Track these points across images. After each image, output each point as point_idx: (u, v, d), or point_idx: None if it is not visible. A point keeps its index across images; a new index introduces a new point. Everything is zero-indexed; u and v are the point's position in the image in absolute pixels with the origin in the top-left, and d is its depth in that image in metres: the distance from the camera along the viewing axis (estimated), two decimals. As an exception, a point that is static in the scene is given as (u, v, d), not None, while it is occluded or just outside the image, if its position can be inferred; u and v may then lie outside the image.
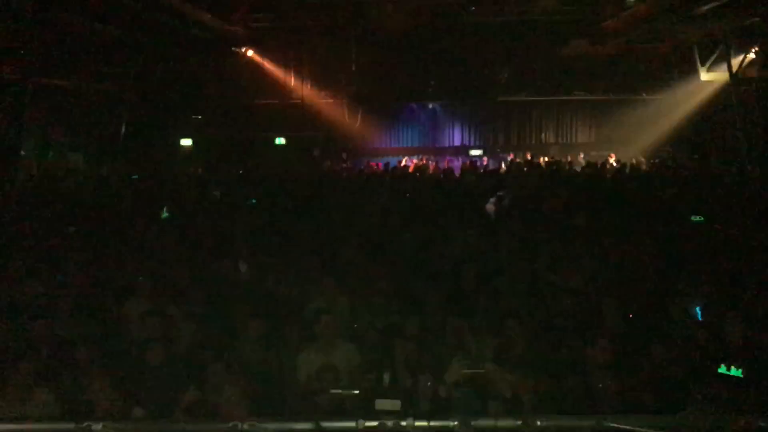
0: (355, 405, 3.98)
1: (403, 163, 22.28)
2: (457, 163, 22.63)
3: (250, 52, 22.29)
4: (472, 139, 24.86)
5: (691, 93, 21.07)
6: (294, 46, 21.86)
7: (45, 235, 10.78)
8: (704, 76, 20.32)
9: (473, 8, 18.09)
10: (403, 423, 2.86)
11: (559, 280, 7.99)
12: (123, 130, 20.57)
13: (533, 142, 24.31)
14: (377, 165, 22.77)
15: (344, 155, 24.44)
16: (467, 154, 23.68)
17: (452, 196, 13.59)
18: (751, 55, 17.86)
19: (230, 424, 3.20)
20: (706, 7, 14.64)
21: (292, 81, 22.87)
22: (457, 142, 24.93)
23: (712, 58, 19.69)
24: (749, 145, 17.65)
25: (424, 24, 18.35)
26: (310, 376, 5.75)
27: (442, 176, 16.32)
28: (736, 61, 17.82)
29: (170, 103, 21.42)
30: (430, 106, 24.56)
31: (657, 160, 21.34)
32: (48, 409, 5.02)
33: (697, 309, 7.05)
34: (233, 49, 21.94)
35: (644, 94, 22.97)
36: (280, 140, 23.24)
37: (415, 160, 23.34)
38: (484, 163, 21.67)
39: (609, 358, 5.69)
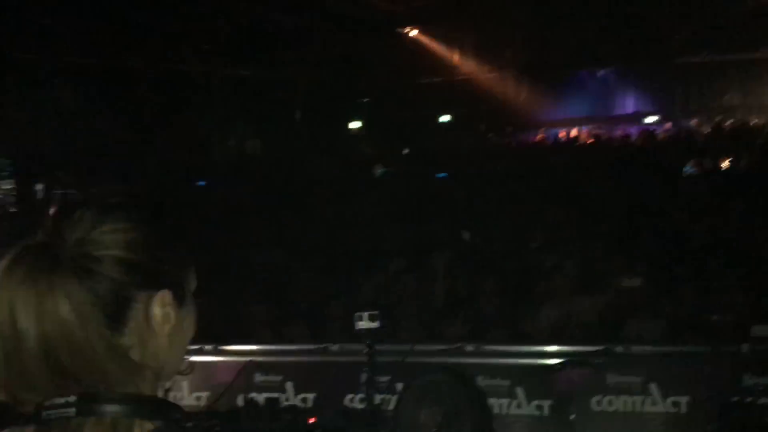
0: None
1: (573, 134, 21.57)
2: (632, 131, 21.56)
3: (413, 32, 22.44)
4: (647, 105, 23.56)
5: None
6: (457, 22, 21.73)
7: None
8: None
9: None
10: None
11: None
12: (298, 116, 21.40)
13: (715, 104, 22.60)
14: (544, 137, 22.21)
15: (509, 129, 24.01)
16: (642, 122, 22.47)
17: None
18: None
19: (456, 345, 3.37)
20: None
21: (456, 58, 22.76)
22: (630, 110, 23.74)
23: None
24: None
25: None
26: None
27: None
28: None
29: (340, 88, 21.98)
30: (601, 72, 23.53)
31: None
32: None
33: None
34: (397, 29, 22.18)
35: None
36: (446, 117, 23.23)
37: (585, 130, 22.49)
38: (665, 128, 20.48)
39: None
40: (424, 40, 22.68)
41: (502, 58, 22.25)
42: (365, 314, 3.01)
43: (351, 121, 22.89)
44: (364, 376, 2.98)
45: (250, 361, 3.27)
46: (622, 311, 6.50)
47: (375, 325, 2.97)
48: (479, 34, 22.06)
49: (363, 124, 22.93)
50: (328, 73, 21.22)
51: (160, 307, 1.16)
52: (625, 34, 20.72)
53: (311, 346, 3.45)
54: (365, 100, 23.02)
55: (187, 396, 3.20)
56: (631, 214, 10.18)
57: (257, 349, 3.39)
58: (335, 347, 3.47)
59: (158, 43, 16.64)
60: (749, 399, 2.67)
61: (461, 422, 2.37)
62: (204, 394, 3.17)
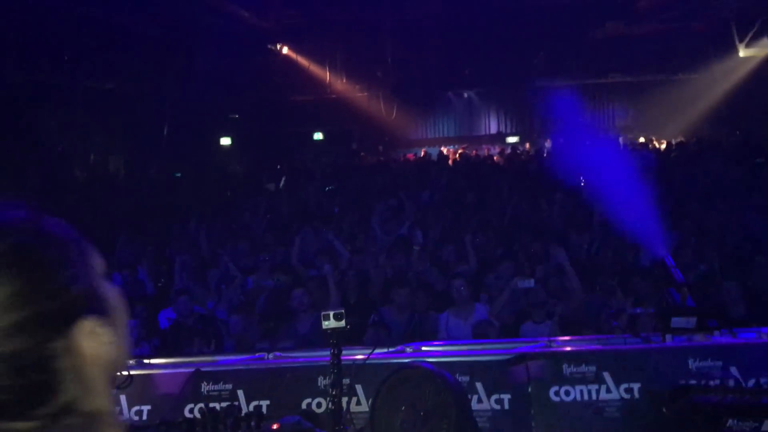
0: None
1: (444, 152, 22.28)
2: (494, 151, 22.58)
3: (285, 49, 22.35)
4: (509, 126, 24.83)
5: (729, 70, 20.97)
6: (328, 41, 21.92)
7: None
8: (743, 52, 20.25)
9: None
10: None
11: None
12: (165, 131, 20.58)
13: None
14: (414, 156, 22.78)
15: (380, 148, 24.43)
16: (504, 142, 23.63)
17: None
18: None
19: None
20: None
21: (327, 77, 22.86)
22: (493, 130, 24.91)
23: (751, 33, 19.60)
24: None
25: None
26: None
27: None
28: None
29: (209, 103, 21.41)
30: (465, 94, 24.52)
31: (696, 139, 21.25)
32: None
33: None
34: (268, 46, 21.99)
35: (680, 74, 22.83)
36: (318, 135, 23.26)
37: (452, 149, 23.30)
38: (526, 148, 21.62)
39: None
40: (295, 57, 22.63)
41: (372, 79, 22.62)
42: (331, 314, 2.93)
43: (221, 137, 22.33)
44: (325, 379, 2.89)
45: (197, 370, 3.08)
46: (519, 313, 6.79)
47: (341, 324, 2.90)
48: (349, 56, 22.33)
49: (233, 140, 22.45)
50: (196, 89, 20.61)
51: (88, 337, 0.88)
52: (487, 60, 21.76)
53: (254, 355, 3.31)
54: (235, 116, 22.56)
55: (127, 411, 2.96)
56: (513, 225, 10.62)
57: (201, 360, 3.20)
58: (270, 355, 3.36)
59: (13, 51, 15.49)
60: (699, 382, 2.88)
61: (443, 420, 2.34)
62: (145, 408, 2.93)
